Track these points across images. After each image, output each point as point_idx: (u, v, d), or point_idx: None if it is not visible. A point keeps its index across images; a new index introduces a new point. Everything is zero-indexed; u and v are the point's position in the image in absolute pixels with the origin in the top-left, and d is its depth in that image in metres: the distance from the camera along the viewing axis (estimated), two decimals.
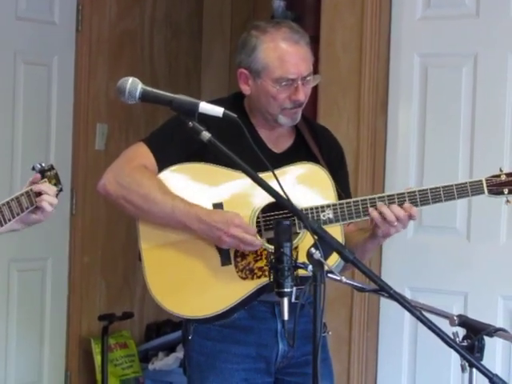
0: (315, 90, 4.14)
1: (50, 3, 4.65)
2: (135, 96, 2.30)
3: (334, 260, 2.45)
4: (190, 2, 5.25)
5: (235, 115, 2.25)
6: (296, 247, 2.75)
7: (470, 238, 3.99)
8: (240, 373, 2.93)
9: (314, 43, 4.26)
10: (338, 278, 2.29)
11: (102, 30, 4.81)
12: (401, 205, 2.81)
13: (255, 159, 2.34)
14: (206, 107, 2.28)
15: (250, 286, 2.85)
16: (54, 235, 4.66)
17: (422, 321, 2.15)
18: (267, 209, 2.86)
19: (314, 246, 2.15)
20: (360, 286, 2.51)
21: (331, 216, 2.86)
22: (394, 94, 4.14)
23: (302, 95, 2.91)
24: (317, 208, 2.87)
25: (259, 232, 2.85)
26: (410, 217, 2.82)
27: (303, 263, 2.25)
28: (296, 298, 2.33)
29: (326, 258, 2.16)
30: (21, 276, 4.60)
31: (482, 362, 2.15)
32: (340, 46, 4.09)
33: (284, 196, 2.25)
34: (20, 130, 4.56)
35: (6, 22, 4.46)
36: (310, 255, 2.17)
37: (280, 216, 2.82)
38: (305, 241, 2.78)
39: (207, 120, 2.32)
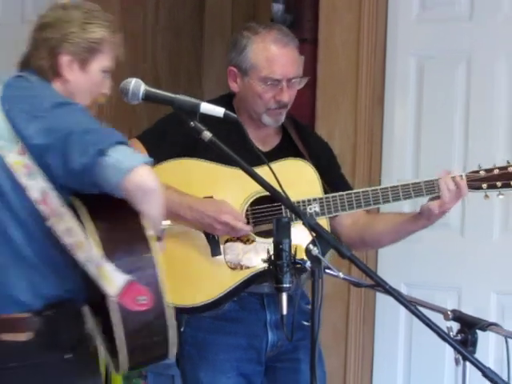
0: (314, 86, 4.17)
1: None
2: (138, 96, 2.32)
3: None
4: (192, 4, 5.25)
5: (236, 115, 2.27)
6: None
7: (464, 234, 3.99)
8: (232, 363, 2.96)
9: (312, 45, 4.29)
10: (336, 274, 2.29)
11: None
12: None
13: (245, 156, 2.37)
14: (206, 107, 2.29)
15: (238, 277, 2.87)
16: None
17: (416, 315, 2.16)
18: (255, 203, 2.90)
19: (312, 242, 2.15)
20: (357, 281, 2.52)
21: (317, 209, 2.90)
22: (390, 91, 4.14)
23: (286, 96, 2.95)
24: (303, 201, 2.91)
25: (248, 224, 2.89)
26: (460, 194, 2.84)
27: (301, 259, 2.26)
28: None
29: (323, 255, 2.17)
30: None
31: (475, 356, 2.16)
32: (338, 45, 4.10)
33: (282, 193, 2.26)
34: None
35: (13, 26, 4.47)
36: (308, 251, 2.17)
37: (267, 210, 2.89)
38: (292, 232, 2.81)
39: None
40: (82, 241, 2.38)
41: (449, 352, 2.47)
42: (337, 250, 2.18)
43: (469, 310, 2.38)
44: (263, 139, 3.04)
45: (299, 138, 3.08)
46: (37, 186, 2.41)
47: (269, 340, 3.00)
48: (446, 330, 2.18)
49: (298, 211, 2.22)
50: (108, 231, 2.44)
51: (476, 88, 4.00)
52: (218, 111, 2.28)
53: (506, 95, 3.94)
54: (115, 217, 2.47)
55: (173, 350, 2.48)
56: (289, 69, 2.94)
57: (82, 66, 2.60)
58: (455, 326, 2.26)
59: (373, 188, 2.93)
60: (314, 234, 2.17)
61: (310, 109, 4.22)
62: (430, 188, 2.88)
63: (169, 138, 2.91)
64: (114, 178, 2.26)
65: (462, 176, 2.84)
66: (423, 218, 2.91)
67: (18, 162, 2.43)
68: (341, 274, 2.32)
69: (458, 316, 2.28)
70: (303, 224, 2.20)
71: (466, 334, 2.22)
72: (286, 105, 2.98)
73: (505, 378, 2.14)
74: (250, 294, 2.95)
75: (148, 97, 2.32)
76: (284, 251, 2.27)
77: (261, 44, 2.96)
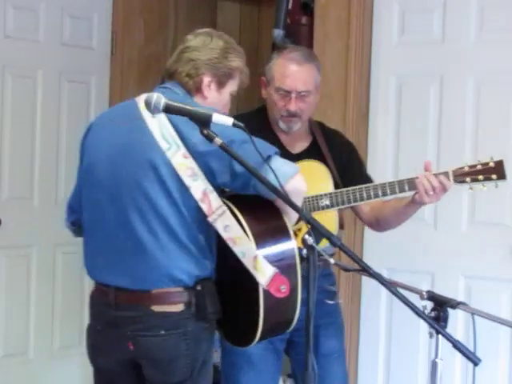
0: None
1: (89, 31, 4.65)
2: (159, 108, 2.30)
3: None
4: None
5: (242, 124, 2.25)
6: (300, 229, 2.88)
7: (437, 227, 3.99)
8: None
9: None
10: (329, 260, 2.28)
11: (132, 54, 4.80)
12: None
13: None
14: (218, 118, 2.28)
15: None
16: None
17: (396, 295, 2.14)
18: None
19: (308, 233, 2.14)
20: (345, 266, 2.51)
21: (328, 203, 2.92)
22: (373, 107, 4.14)
23: (293, 106, 2.98)
24: (316, 196, 2.93)
25: None
26: (444, 189, 2.83)
27: (299, 248, 2.25)
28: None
29: (317, 243, 2.16)
30: (64, 258, 4.60)
31: (447, 330, 2.15)
32: (329, 67, 4.09)
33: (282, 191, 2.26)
34: (64, 138, 4.56)
35: (53, 47, 4.47)
36: (304, 241, 2.16)
37: None
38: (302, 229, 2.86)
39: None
40: (240, 236, 2.43)
41: (423, 327, 2.46)
42: (329, 239, 2.16)
43: (441, 291, 2.37)
44: (292, 143, 3.09)
45: (325, 140, 3.11)
46: (199, 187, 2.45)
47: None
48: (421, 308, 2.17)
49: (295, 206, 2.21)
50: (257, 227, 2.49)
51: (447, 103, 3.99)
52: (228, 121, 2.27)
53: (473, 110, 3.93)
54: (260, 214, 2.53)
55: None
56: (298, 83, 2.98)
57: (219, 87, 2.66)
58: (429, 304, 2.24)
59: (372, 184, 2.95)
60: (310, 226, 2.16)
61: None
62: (412, 185, 2.88)
63: None
64: (278, 181, 2.28)
65: (447, 172, 2.84)
66: (414, 205, 2.93)
67: (183, 164, 2.46)
68: (332, 260, 2.30)
69: (431, 296, 2.26)
70: (300, 217, 2.19)
71: (438, 311, 2.20)
72: (294, 114, 3.01)
73: (471, 349, 2.13)
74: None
75: (168, 109, 2.30)
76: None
77: (281, 60, 3.03)
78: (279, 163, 2.42)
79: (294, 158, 2.97)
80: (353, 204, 2.95)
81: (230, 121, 2.26)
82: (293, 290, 2.43)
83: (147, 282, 2.52)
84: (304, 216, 2.18)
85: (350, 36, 4.12)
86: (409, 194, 2.92)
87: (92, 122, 2.80)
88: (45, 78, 4.45)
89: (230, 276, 2.53)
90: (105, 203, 2.58)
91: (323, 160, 3.05)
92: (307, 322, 2.13)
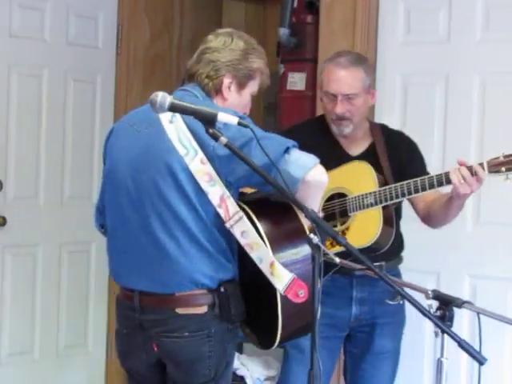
0: (314, 99, 4.17)
1: (95, 31, 4.65)
2: (165, 107, 2.30)
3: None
4: (211, 30, 5.24)
5: (247, 123, 2.25)
6: (348, 227, 3.01)
7: (442, 227, 3.97)
8: (319, 326, 2.95)
9: (313, 63, 4.28)
10: (334, 259, 2.27)
11: (138, 53, 4.80)
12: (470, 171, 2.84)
13: (332, 158, 2.91)
14: (222, 117, 2.27)
15: None
16: None
17: (402, 295, 2.14)
18: (331, 198, 3.08)
19: (313, 232, 2.14)
20: (351, 265, 2.50)
21: (372, 201, 2.98)
22: (379, 106, 4.12)
23: (339, 109, 3.06)
24: (362, 195, 3.01)
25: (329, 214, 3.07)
26: (479, 180, 2.83)
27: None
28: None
29: (323, 242, 2.15)
30: (70, 257, 4.60)
31: (452, 329, 2.15)
32: None
33: (287, 191, 2.25)
34: (70, 137, 4.57)
35: (58, 46, 4.47)
36: (309, 240, 2.15)
37: (337, 203, 3.06)
38: (355, 222, 3.01)
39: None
40: (257, 242, 2.44)
41: (429, 326, 2.46)
42: (334, 238, 2.16)
43: (446, 290, 2.36)
44: (350, 146, 3.18)
45: (385, 142, 3.17)
46: (216, 192, 2.45)
47: (352, 312, 3.13)
48: (427, 307, 2.17)
49: (301, 205, 2.20)
50: (273, 231, 2.49)
51: (453, 102, 3.99)
52: (233, 120, 2.27)
53: (479, 109, 3.92)
54: (277, 218, 2.53)
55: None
56: (342, 86, 3.05)
57: (239, 89, 2.65)
58: (435, 303, 2.24)
59: (412, 180, 2.95)
60: (315, 225, 2.16)
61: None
62: (448, 178, 2.88)
63: None
64: (298, 173, 2.29)
65: (482, 163, 2.84)
66: (453, 199, 2.94)
67: (200, 169, 2.46)
68: (337, 259, 2.30)
69: (437, 295, 2.26)
70: (306, 217, 2.19)
71: (443, 310, 2.20)
72: (342, 117, 3.08)
73: (476, 348, 2.13)
74: (342, 275, 3.02)
75: (173, 107, 2.30)
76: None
77: (328, 65, 3.12)
78: (298, 155, 2.40)
79: (352, 159, 3.11)
80: (395, 200, 2.98)
81: (235, 120, 2.26)
82: (311, 293, 2.42)
83: (171, 286, 2.53)
84: (310, 215, 2.17)
85: (355, 35, 4.11)
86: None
87: (114, 125, 2.81)
88: (50, 77, 4.46)
89: (252, 278, 2.53)
90: (127, 209, 2.59)
91: (377, 162, 3.10)
92: (312, 322, 2.13)
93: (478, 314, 2.25)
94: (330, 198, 3.08)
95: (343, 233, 3.04)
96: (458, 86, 3.96)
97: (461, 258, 3.93)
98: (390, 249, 3.09)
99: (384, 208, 3.02)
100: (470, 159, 2.99)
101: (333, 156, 3.05)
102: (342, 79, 3.06)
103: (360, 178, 3.04)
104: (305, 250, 2.45)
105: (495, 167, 2.82)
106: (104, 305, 4.72)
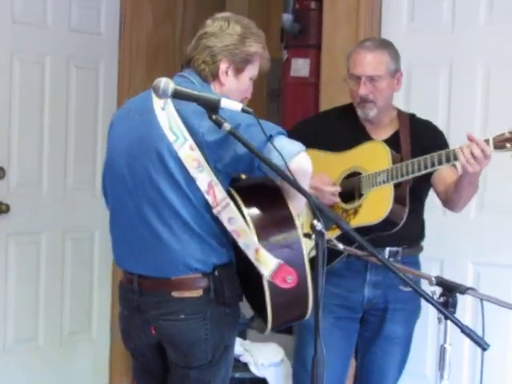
0: (318, 86, 4.17)
1: (97, 17, 4.65)
2: (167, 93, 2.30)
3: None
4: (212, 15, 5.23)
5: (251, 110, 2.25)
6: (360, 205, 3.06)
7: (446, 213, 3.96)
8: (330, 307, 3.04)
9: (317, 50, 4.27)
10: (337, 246, 2.28)
11: (140, 39, 4.80)
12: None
13: (350, 142, 3.07)
14: (226, 103, 2.27)
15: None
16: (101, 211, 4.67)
17: (405, 281, 2.15)
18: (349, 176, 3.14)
19: (316, 218, 2.14)
20: (355, 251, 2.51)
21: (384, 178, 3.02)
22: None
23: (362, 90, 3.11)
24: (375, 173, 3.04)
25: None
26: (485, 156, 2.83)
27: (308, 233, 2.24)
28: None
29: (326, 229, 2.15)
30: (73, 244, 4.61)
31: (455, 315, 2.15)
32: (339, 52, 4.06)
33: (290, 175, 2.25)
34: (72, 124, 4.57)
35: (61, 32, 4.47)
36: (312, 227, 2.16)
37: (352, 182, 3.12)
38: (367, 200, 3.06)
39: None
40: (244, 229, 2.45)
41: (432, 312, 2.47)
42: (337, 224, 2.17)
43: (449, 277, 2.37)
44: (376, 131, 3.21)
45: (410, 130, 3.19)
46: (204, 179, 2.46)
47: (365, 295, 3.16)
48: (430, 294, 2.17)
49: (303, 191, 2.20)
50: (260, 218, 2.49)
51: (457, 90, 3.98)
52: (236, 106, 2.27)
53: (483, 96, 3.92)
54: (265, 205, 2.53)
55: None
56: (366, 68, 3.10)
57: (236, 73, 2.65)
58: (438, 290, 2.25)
59: (422, 157, 2.97)
60: (318, 212, 2.16)
61: (314, 105, 4.20)
62: (454, 155, 2.90)
63: (297, 133, 2.89)
64: (281, 161, 2.28)
65: (488, 139, 2.85)
66: (463, 176, 2.96)
67: (189, 155, 2.47)
68: (340, 246, 2.30)
69: (440, 281, 2.27)
70: (308, 203, 2.19)
71: (447, 296, 2.21)
72: (365, 99, 3.12)
73: (479, 334, 2.13)
74: (357, 258, 3.03)
75: (176, 94, 2.30)
76: None
77: (355, 49, 3.18)
78: (283, 142, 2.40)
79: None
80: (405, 177, 2.99)
81: (238, 106, 2.26)
82: (302, 279, 2.43)
83: (167, 271, 2.57)
84: (313, 202, 2.18)
85: (358, 21, 4.10)
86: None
87: (116, 111, 2.84)
88: (53, 64, 4.45)
89: (247, 264, 2.54)
90: (123, 195, 2.63)
91: (399, 147, 3.12)
92: (316, 308, 2.13)
93: (482, 300, 2.25)
94: (348, 177, 3.14)
95: (356, 211, 3.08)
96: (461, 73, 3.96)
97: (464, 245, 3.93)
98: (408, 234, 3.12)
99: (397, 187, 3.04)
100: None
101: (357, 140, 3.13)
102: (365, 61, 3.10)
103: (375, 157, 3.07)
104: (292, 237, 2.47)
105: (500, 143, 2.84)
106: (108, 292, 4.73)
